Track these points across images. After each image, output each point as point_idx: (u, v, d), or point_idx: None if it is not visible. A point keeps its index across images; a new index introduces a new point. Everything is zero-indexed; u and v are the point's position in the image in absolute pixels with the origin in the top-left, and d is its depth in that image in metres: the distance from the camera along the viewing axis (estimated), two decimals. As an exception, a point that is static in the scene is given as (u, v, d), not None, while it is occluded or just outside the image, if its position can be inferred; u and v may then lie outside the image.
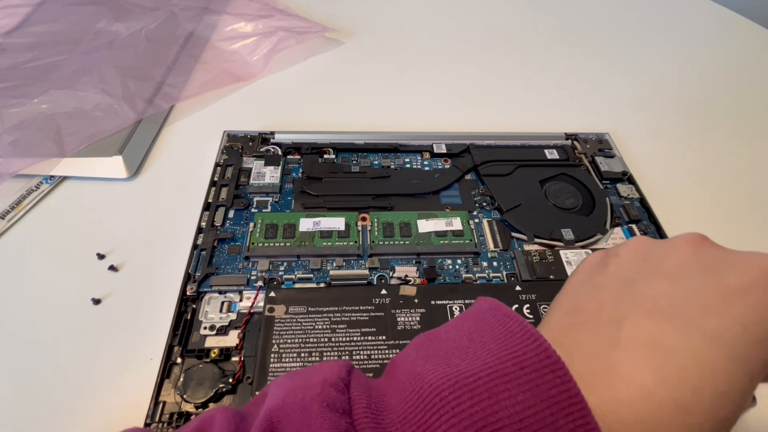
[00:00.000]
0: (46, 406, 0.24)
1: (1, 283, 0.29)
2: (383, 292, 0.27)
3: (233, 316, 0.27)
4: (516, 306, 0.27)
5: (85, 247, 0.31)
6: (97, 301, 0.28)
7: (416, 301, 0.27)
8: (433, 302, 0.27)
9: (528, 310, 0.27)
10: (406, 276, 0.29)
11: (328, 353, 0.24)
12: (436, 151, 0.38)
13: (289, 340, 0.25)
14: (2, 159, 0.33)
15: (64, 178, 0.35)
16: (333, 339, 0.25)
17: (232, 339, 0.26)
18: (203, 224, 0.31)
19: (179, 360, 0.25)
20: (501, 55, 0.52)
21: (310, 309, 0.26)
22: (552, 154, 0.38)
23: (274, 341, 0.24)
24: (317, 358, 0.24)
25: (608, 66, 0.51)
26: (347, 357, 0.24)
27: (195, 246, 0.30)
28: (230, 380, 0.24)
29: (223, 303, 0.27)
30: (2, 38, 0.43)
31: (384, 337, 0.25)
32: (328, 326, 0.25)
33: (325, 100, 0.44)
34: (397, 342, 0.25)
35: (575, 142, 0.40)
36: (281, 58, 0.47)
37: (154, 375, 0.24)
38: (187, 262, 0.29)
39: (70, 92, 0.38)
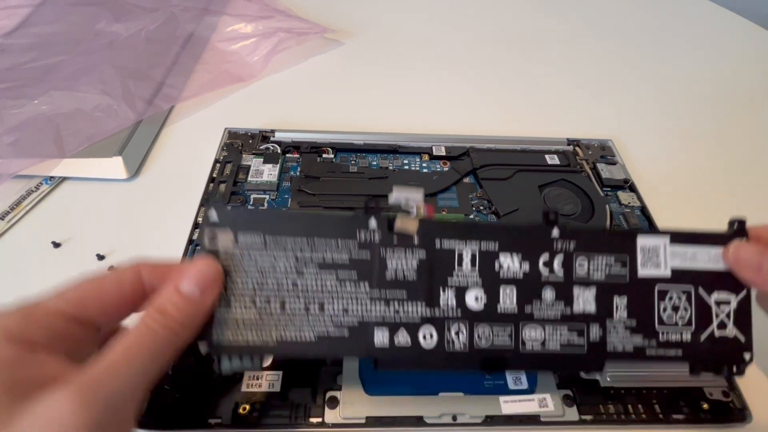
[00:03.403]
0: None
1: (1, 284, 0.29)
2: (372, 223, 0.20)
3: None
4: None
5: (85, 247, 0.31)
6: (94, 303, 0.28)
7: (416, 240, 0.20)
8: (438, 243, 0.20)
9: None
10: (407, 200, 0.23)
11: (293, 302, 0.19)
12: (435, 153, 0.38)
13: (239, 282, 0.19)
14: (2, 159, 0.33)
15: (63, 179, 0.35)
16: (299, 284, 0.19)
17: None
18: (200, 220, 0.31)
19: None
20: (504, 58, 0.51)
21: (268, 240, 0.19)
22: (552, 159, 0.37)
23: None
24: (278, 308, 0.19)
25: (612, 71, 0.51)
26: (317, 309, 0.19)
27: (190, 241, 0.30)
28: (218, 375, 0.24)
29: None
30: (2, 38, 0.43)
31: (367, 287, 0.19)
32: (292, 266, 0.19)
33: (324, 101, 0.44)
34: (383, 295, 0.19)
35: (577, 148, 0.39)
36: (281, 59, 0.47)
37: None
38: (182, 258, 0.29)
39: (70, 93, 0.38)
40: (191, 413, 0.23)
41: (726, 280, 0.22)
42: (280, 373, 0.25)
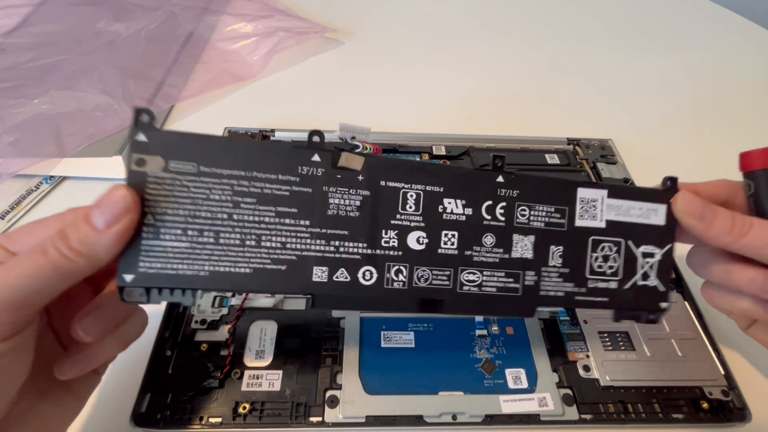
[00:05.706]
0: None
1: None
2: (315, 158, 0.19)
3: (225, 311, 0.27)
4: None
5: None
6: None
7: (360, 178, 0.19)
8: (383, 182, 0.20)
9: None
10: (354, 138, 0.23)
11: (228, 234, 0.18)
12: (435, 152, 0.38)
13: (169, 211, 0.17)
14: (2, 159, 0.33)
15: (63, 178, 0.35)
16: (235, 216, 0.18)
17: (222, 334, 0.26)
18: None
19: (169, 353, 0.25)
20: (503, 58, 0.51)
21: (202, 169, 0.18)
22: (553, 159, 0.37)
23: (146, 209, 0.17)
24: (211, 239, 0.18)
25: (612, 71, 0.51)
26: (254, 242, 0.18)
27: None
28: (218, 374, 0.24)
29: (215, 298, 0.28)
30: (2, 38, 0.43)
31: (307, 223, 0.19)
32: (229, 198, 0.18)
33: (324, 101, 0.44)
34: (324, 231, 0.19)
35: (577, 147, 0.39)
36: (281, 59, 0.47)
37: (142, 368, 0.24)
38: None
39: (70, 92, 0.38)
40: (191, 413, 0.23)
41: (653, 234, 0.22)
42: (280, 372, 0.25)
